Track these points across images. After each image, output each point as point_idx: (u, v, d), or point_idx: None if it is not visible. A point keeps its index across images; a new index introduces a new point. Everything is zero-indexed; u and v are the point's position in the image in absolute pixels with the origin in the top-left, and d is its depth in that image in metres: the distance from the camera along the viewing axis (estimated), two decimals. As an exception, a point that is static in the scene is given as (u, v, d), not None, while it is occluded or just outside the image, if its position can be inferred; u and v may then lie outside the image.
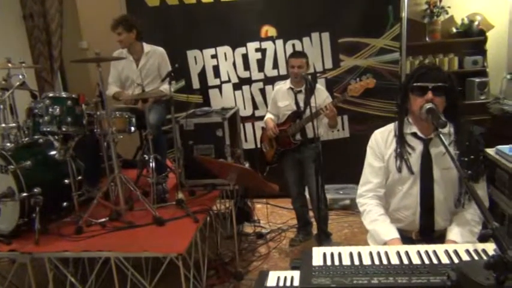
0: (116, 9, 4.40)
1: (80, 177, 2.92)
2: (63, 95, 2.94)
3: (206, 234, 3.27)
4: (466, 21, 4.67)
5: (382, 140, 2.05)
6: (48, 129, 2.80)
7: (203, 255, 2.98)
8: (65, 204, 2.87)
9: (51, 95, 2.84)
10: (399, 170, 1.95)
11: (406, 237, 1.98)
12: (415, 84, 1.88)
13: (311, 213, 3.85)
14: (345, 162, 3.94)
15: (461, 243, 1.72)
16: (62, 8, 4.63)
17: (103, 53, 2.90)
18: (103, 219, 2.83)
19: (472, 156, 1.82)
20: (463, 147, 1.85)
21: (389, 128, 2.05)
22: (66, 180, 2.81)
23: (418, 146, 1.96)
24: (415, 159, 1.95)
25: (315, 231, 3.79)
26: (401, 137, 1.97)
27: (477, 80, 4.60)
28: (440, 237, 1.92)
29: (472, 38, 4.65)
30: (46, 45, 4.61)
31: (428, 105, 1.75)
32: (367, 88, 3.18)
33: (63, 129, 2.79)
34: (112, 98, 3.57)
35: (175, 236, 2.63)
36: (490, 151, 2.80)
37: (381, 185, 2.05)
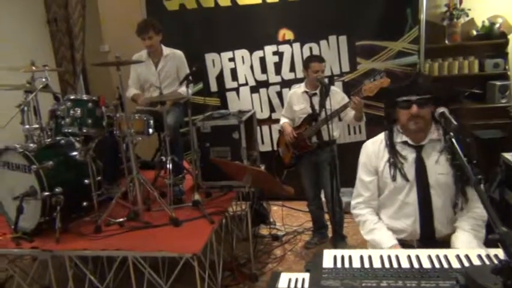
0: (136, 13, 4.50)
1: (99, 178, 3.00)
2: (84, 97, 3.02)
3: (222, 236, 3.30)
4: (487, 23, 4.59)
5: (373, 151, 2.07)
6: (70, 130, 2.88)
7: (218, 256, 3.01)
8: (84, 203, 2.93)
9: (72, 97, 2.93)
10: (394, 178, 1.97)
11: (408, 246, 1.97)
12: (399, 99, 1.91)
13: (327, 216, 3.85)
14: (362, 165, 3.91)
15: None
16: (84, 13, 4.75)
17: (123, 56, 2.96)
18: (121, 219, 2.89)
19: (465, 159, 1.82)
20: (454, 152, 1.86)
21: (380, 138, 2.07)
22: (86, 181, 2.88)
23: (411, 154, 1.97)
24: (408, 167, 1.97)
25: (330, 234, 3.79)
26: (393, 147, 1.99)
27: (498, 83, 4.52)
28: (442, 244, 1.91)
29: (493, 40, 4.57)
30: (69, 48, 4.74)
31: (441, 109, 1.75)
32: (381, 88, 3.15)
33: (84, 130, 2.87)
34: (131, 100, 3.64)
35: (191, 236, 2.67)
36: (508, 155, 2.76)
37: (372, 197, 2.08)
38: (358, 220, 2.11)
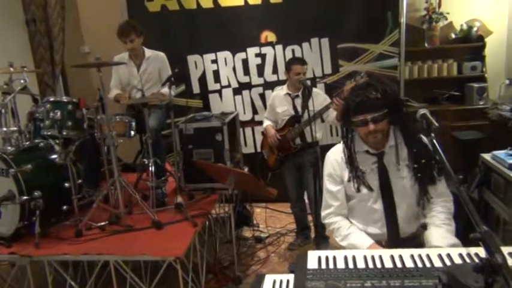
0: (117, 14, 4.45)
1: (80, 181, 2.95)
2: (64, 99, 2.97)
3: (205, 239, 3.28)
4: (465, 27, 4.70)
5: (336, 161, 2.08)
6: (49, 133, 2.83)
7: (202, 259, 2.99)
8: (65, 207, 2.88)
9: (52, 99, 2.88)
10: (358, 190, 2.00)
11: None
12: (354, 119, 1.91)
13: (310, 218, 3.87)
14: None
15: (445, 246, 1.74)
16: (64, 13, 4.67)
17: (104, 57, 2.92)
18: (102, 223, 2.85)
19: (423, 161, 1.88)
20: (412, 154, 1.92)
21: (340, 149, 2.07)
22: (66, 184, 2.83)
23: (373, 162, 2.00)
24: (372, 175, 1.99)
25: (313, 235, 3.81)
26: (351, 162, 2.00)
27: (476, 85, 4.62)
28: (408, 242, 1.94)
29: (471, 43, 4.68)
30: (48, 49, 4.65)
31: (422, 111, 1.77)
32: None
33: (64, 133, 2.82)
34: (114, 100, 3.58)
35: (174, 239, 2.64)
36: (487, 156, 2.82)
37: (342, 206, 2.10)
38: (331, 228, 2.12)
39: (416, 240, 2.00)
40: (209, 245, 3.34)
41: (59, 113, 2.81)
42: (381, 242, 2.02)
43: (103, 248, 2.57)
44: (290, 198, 3.78)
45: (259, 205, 4.46)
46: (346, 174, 2.03)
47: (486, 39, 4.66)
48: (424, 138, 1.96)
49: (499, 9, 4.71)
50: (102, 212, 3.00)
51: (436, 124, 1.67)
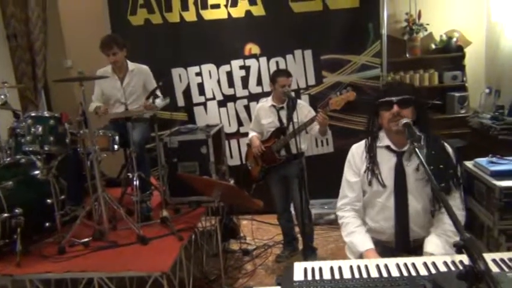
0: (100, 28, 4.43)
1: (63, 197, 2.90)
2: (46, 114, 2.93)
3: (191, 252, 3.25)
4: (444, 37, 4.79)
5: (357, 154, 2.10)
6: (31, 148, 2.79)
7: (188, 273, 2.95)
8: (47, 224, 2.84)
9: (33, 114, 2.84)
10: (369, 183, 2.01)
11: (388, 248, 2.00)
12: (381, 100, 1.95)
13: (297, 229, 3.85)
14: (330, 177, 3.90)
15: (437, 254, 1.74)
16: (46, 28, 4.64)
17: (87, 71, 2.90)
18: (86, 239, 2.80)
19: (440, 166, 1.87)
20: (432, 159, 1.88)
21: (363, 143, 2.10)
22: (48, 200, 2.79)
23: (392, 159, 2.00)
24: (387, 171, 1.99)
25: (301, 246, 3.79)
26: (371, 152, 2.02)
27: (457, 94, 4.71)
28: (418, 246, 1.94)
29: (451, 53, 4.77)
30: (30, 64, 4.60)
31: (405, 120, 1.80)
32: (348, 101, 3.22)
33: (46, 148, 2.78)
34: (94, 113, 3.53)
35: (160, 254, 2.61)
36: (469, 164, 2.86)
37: (357, 198, 2.10)
38: (341, 222, 2.12)
39: None
40: (196, 258, 3.30)
41: (40, 128, 2.77)
42: (391, 243, 2.02)
43: (87, 265, 2.52)
44: (276, 210, 3.76)
45: (246, 217, 4.43)
46: (363, 167, 2.04)
47: (465, 49, 4.76)
48: (448, 146, 1.98)
49: (476, 20, 4.82)
50: (86, 228, 2.96)
51: (419, 133, 1.70)
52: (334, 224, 4.37)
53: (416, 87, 1.97)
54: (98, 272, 2.46)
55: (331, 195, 4.44)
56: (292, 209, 3.79)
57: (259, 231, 4.35)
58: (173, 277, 2.62)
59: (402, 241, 2.00)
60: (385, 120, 1.96)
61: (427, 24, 4.79)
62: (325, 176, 4.10)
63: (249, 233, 4.19)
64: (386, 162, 2.00)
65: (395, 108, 1.89)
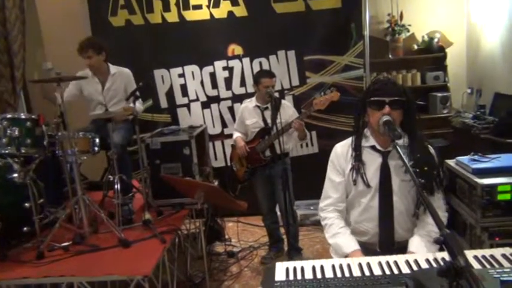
0: (80, 29, 4.35)
1: (41, 200, 2.83)
2: (22, 116, 2.86)
3: (175, 255, 3.20)
4: (426, 38, 4.84)
5: (342, 154, 2.07)
6: (7, 151, 2.71)
7: (172, 276, 2.91)
8: (25, 228, 2.76)
9: (9, 116, 2.76)
10: (354, 183, 1.98)
11: (369, 250, 1.99)
12: (372, 98, 1.91)
13: (282, 230, 3.83)
14: (315, 177, 3.89)
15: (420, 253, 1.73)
16: (24, 29, 4.53)
17: (68, 73, 2.84)
18: (66, 243, 2.73)
19: (425, 168, 1.85)
20: (416, 158, 1.88)
21: (349, 142, 2.07)
22: (26, 204, 2.71)
23: (377, 159, 1.98)
24: (373, 171, 1.97)
25: (286, 247, 3.77)
26: (357, 150, 2.00)
27: (439, 94, 4.75)
28: (402, 248, 1.93)
29: (433, 54, 4.83)
30: (8, 66, 4.48)
31: (385, 118, 1.78)
32: (332, 101, 3.21)
33: (23, 151, 2.71)
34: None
35: (142, 257, 2.56)
36: (451, 162, 2.88)
37: (340, 199, 2.07)
38: (324, 223, 2.09)
39: None
40: (180, 262, 3.26)
41: (16, 131, 2.68)
42: (374, 245, 2.00)
43: (66, 270, 2.46)
44: (262, 211, 3.74)
45: (231, 219, 4.40)
46: (348, 167, 2.01)
47: (447, 50, 4.82)
48: (431, 148, 1.97)
49: (457, 21, 4.90)
50: (66, 232, 2.89)
51: (399, 131, 1.69)
52: (319, 225, 4.31)
53: (406, 89, 1.94)
54: (78, 277, 2.40)
55: (316, 196, 4.38)
56: (277, 210, 3.77)
57: (244, 233, 4.32)
58: (156, 281, 2.57)
59: (386, 242, 1.98)
60: (374, 120, 1.90)
61: (409, 25, 4.84)
62: (310, 177, 4.07)
63: (234, 235, 4.16)
64: (372, 162, 1.99)
65: (387, 109, 1.85)
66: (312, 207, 4.49)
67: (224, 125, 4.61)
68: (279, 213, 3.79)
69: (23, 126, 2.73)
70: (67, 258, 2.62)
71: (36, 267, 2.52)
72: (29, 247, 2.76)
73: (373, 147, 2.00)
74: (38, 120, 2.78)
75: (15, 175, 2.76)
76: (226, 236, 4.11)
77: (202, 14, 4.41)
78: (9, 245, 2.71)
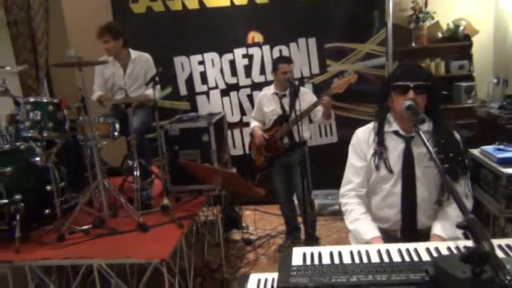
0: (102, 16, 4.37)
1: (62, 184, 2.87)
2: (44, 99, 2.89)
3: (193, 242, 3.22)
4: (451, 26, 4.71)
5: (363, 138, 2.03)
6: (29, 134, 2.75)
7: (189, 262, 2.93)
8: (47, 211, 2.81)
9: (32, 99, 2.80)
10: (377, 168, 1.94)
11: (391, 237, 1.95)
12: (396, 83, 1.86)
13: (300, 219, 3.82)
14: (334, 167, 3.84)
15: (444, 236, 1.70)
16: (48, 16, 4.59)
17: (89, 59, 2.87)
18: (86, 226, 2.77)
19: (450, 154, 1.80)
20: (440, 145, 1.83)
21: (371, 127, 2.02)
22: (48, 187, 2.76)
23: (400, 144, 1.93)
24: (395, 157, 1.93)
25: (303, 236, 3.75)
26: (380, 135, 1.95)
27: (464, 84, 4.63)
28: (425, 236, 1.89)
29: (458, 42, 4.69)
30: (32, 52, 4.56)
31: (408, 102, 1.74)
32: (350, 83, 3.15)
33: (45, 134, 2.74)
34: (97, 102, 3.51)
35: (160, 242, 2.57)
36: (475, 151, 2.80)
37: (362, 184, 2.03)
38: (345, 209, 2.06)
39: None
40: (197, 248, 3.28)
41: (39, 114, 2.73)
42: (395, 232, 1.97)
43: (86, 252, 2.49)
44: (279, 200, 3.73)
45: (249, 207, 4.40)
46: (370, 151, 1.98)
47: (473, 38, 4.68)
48: (456, 134, 1.93)
49: (484, 8, 4.74)
50: (86, 215, 2.93)
51: (422, 115, 1.64)
52: (337, 214, 4.33)
53: (432, 73, 1.89)
54: (97, 259, 2.43)
55: (334, 186, 4.37)
56: (295, 199, 3.75)
57: (261, 221, 4.32)
58: (174, 265, 2.59)
59: (408, 229, 1.94)
60: (398, 104, 1.85)
61: (434, 13, 4.71)
62: (329, 166, 4.03)
63: (251, 223, 4.17)
64: (395, 147, 1.94)
65: (411, 94, 1.80)
66: (330, 197, 4.46)
67: (243, 113, 4.59)
68: (296, 202, 3.77)
69: (45, 110, 2.76)
70: (87, 241, 2.65)
71: (57, 248, 2.56)
72: (50, 229, 2.81)
73: (396, 133, 1.95)
74: (59, 105, 2.81)
75: (38, 158, 2.81)
76: (244, 224, 4.12)
77: (223, 1, 4.39)
78: (31, 227, 2.76)
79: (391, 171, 1.92)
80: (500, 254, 1.38)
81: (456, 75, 4.72)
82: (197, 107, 4.60)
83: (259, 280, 1.46)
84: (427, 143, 1.47)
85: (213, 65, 4.54)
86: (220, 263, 3.35)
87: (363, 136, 2.04)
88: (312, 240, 3.52)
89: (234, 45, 4.47)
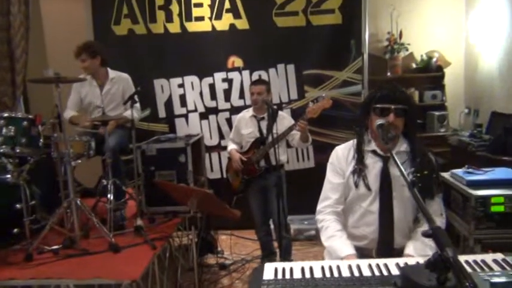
0: (83, 37, 4.37)
1: (33, 202, 2.80)
2: (19, 115, 2.86)
3: (166, 265, 3.15)
4: (424, 57, 4.88)
5: (343, 155, 2.07)
6: (1, 150, 2.70)
7: (161, 286, 2.86)
8: (15, 230, 2.72)
9: (5, 115, 2.76)
10: (356, 185, 1.96)
11: (366, 256, 1.95)
12: (377, 105, 1.91)
13: (275, 244, 3.78)
14: (310, 192, 3.87)
15: (415, 256, 1.71)
16: (27, 35, 4.58)
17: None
18: (56, 246, 2.70)
19: (425, 172, 1.84)
20: (416, 164, 1.88)
21: (350, 145, 2.07)
22: (17, 205, 2.69)
23: (378, 164, 1.97)
24: (373, 176, 1.97)
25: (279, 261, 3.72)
26: (359, 153, 1.99)
27: (437, 113, 4.76)
28: (399, 256, 1.90)
29: (431, 73, 4.85)
30: (9, 71, 4.51)
31: (380, 121, 1.79)
32: (324, 108, 3.19)
33: (17, 150, 2.70)
34: (69, 122, 3.46)
35: (131, 262, 2.52)
36: (446, 175, 2.86)
37: (339, 201, 2.05)
38: (321, 225, 2.05)
39: None
40: (170, 272, 3.21)
41: (12, 130, 2.69)
42: (370, 252, 1.98)
43: (54, 272, 2.42)
44: (255, 223, 3.70)
45: (225, 232, 4.35)
46: (349, 169, 2.00)
47: (445, 70, 4.85)
48: (430, 154, 1.99)
49: (455, 41, 4.94)
50: (57, 235, 2.86)
51: (392, 133, 1.69)
52: (313, 239, 4.32)
53: (410, 97, 1.95)
54: (65, 279, 2.37)
55: (311, 211, 4.37)
56: (271, 223, 3.73)
57: (237, 246, 4.27)
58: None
59: (384, 248, 1.96)
60: (375, 127, 1.89)
61: (408, 44, 4.88)
62: (305, 191, 4.04)
63: (227, 248, 4.11)
64: (373, 166, 1.98)
65: (392, 117, 1.86)
66: (306, 222, 4.45)
67: (221, 136, 4.60)
68: (272, 226, 3.75)
69: (19, 125, 2.73)
70: (56, 261, 2.59)
71: (23, 269, 2.49)
72: (17, 249, 2.73)
73: (374, 152, 1.99)
74: (34, 120, 2.78)
75: (9, 176, 2.75)
76: (219, 248, 4.06)
77: (204, 26, 4.46)
78: (-2, 246, 2.68)
79: (369, 188, 1.94)
80: (467, 269, 1.40)
81: (429, 104, 4.85)
82: (175, 130, 4.58)
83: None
84: (398, 161, 1.52)
85: (192, 88, 4.57)
86: (194, 288, 3.27)
87: (342, 153, 2.08)
88: (288, 264, 3.49)
89: (214, 69, 4.52)
